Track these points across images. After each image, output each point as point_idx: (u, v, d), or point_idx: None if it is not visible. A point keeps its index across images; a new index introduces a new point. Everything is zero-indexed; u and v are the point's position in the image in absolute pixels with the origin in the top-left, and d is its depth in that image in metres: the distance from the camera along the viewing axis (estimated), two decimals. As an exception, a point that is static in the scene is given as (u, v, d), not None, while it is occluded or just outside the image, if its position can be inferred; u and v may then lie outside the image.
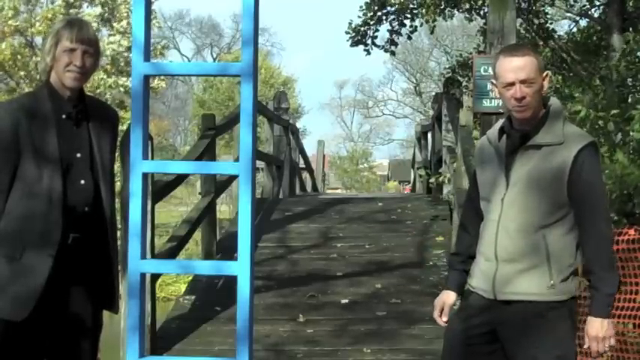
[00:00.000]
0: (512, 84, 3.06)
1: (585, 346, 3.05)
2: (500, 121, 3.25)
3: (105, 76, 21.02)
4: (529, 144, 3.09)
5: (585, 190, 3.04)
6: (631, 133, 6.81)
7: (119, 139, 3.71)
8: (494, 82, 3.20)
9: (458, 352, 3.23)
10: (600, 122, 7.41)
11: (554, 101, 3.19)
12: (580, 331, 3.17)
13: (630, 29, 12.46)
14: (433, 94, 24.46)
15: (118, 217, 3.77)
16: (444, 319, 3.36)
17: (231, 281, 6.26)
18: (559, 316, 3.06)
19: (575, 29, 15.78)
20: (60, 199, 3.11)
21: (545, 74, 3.11)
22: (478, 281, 3.20)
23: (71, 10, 21.33)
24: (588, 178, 3.04)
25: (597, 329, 3.01)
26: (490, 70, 7.61)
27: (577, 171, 3.02)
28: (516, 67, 3.05)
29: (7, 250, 3.11)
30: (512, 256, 3.09)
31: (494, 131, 3.25)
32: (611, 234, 3.13)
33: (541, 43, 13.96)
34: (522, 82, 3.04)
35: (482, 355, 3.19)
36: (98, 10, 21.94)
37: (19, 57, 20.95)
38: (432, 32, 16.00)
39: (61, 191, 3.12)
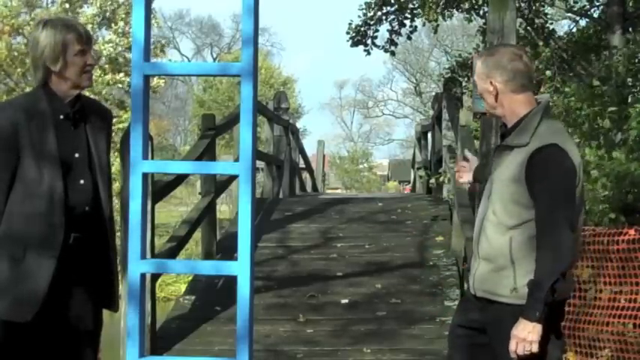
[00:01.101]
0: None
1: (512, 347, 3.01)
2: None
3: (102, 74, 21.05)
4: (502, 144, 3.19)
5: (539, 193, 3.03)
6: (630, 130, 6.82)
7: (119, 138, 3.72)
8: None
9: (459, 343, 3.30)
10: (600, 121, 7.41)
11: (542, 98, 3.24)
12: (574, 331, 3.17)
13: (630, 29, 12.46)
14: (433, 94, 24.47)
15: (117, 217, 3.78)
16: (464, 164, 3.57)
17: (231, 281, 6.26)
18: None
19: (575, 29, 15.78)
20: (61, 199, 3.11)
21: (489, 80, 3.17)
22: (469, 278, 3.29)
23: (69, 12, 21.34)
24: (541, 180, 3.02)
25: (521, 330, 2.98)
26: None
27: (531, 172, 3.03)
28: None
29: (10, 251, 3.10)
30: (487, 256, 3.15)
31: None
32: (561, 241, 3.00)
33: (541, 43, 13.95)
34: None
35: (477, 346, 3.25)
36: (94, 11, 21.96)
37: (15, 54, 20.95)
38: (435, 32, 16.00)
39: (62, 191, 3.12)
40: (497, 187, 3.13)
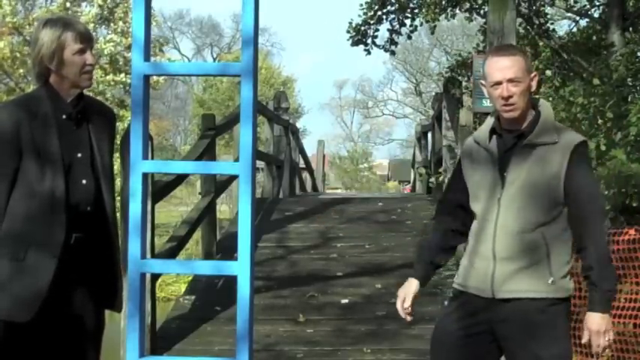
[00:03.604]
0: (499, 83, 3.09)
1: (584, 340, 3.05)
2: (487, 122, 3.25)
3: (103, 74, 21.05)
4: (524, 143, 3.11)
5: (582, 188, 3.06)
6: (630, 127, 6.82)
7: (119, 138, 3.71)
8: (483, 82, 3.22)
9: (452, 353, 3.20)
10: (600, 120, 7.42)
11: (543, 102, 3.23)
12: (577, 331, 3.18)
13: (630, 29, 12.47)
14: (433, 94, 24.47)
15: (118, 217, 3.77)
16: (407, 305, 3.38)
17: (231, 281, 6.26)
18: (558, 313, 3.09)
19: (575, 29, 15.77)
20: (63, 198, 3.11)
21: (533, 75, 3.14)
22: (472, 281, 3.19)
23: (69, 11, 21.33)
24: (584, 176, 3.08)
25: (598, 323, 3.02)
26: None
27: (573, 169, 3.05)
28: (504, 66, 3.08)
29: (11, 251, 3.10)
30: (513, 255, 3.09)
31: (482, 132, 3.25)
32: (606, 231, 3.18)
33: (541, 43, 13.95)
34: (509, 81, 3.07)
35: (477, 355, 3.18)
36: (95, 10, 21.96)
37: (18, 55, 20.95)
38: (432, 32, 16.01)
39: (64, 191, 3.11)
40: (522, 185, 3.08)
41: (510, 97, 3.07)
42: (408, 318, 3.39)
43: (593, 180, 3.13)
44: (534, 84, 3.14)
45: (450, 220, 3.34)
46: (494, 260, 3.12)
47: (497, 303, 3.11)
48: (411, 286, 3.38)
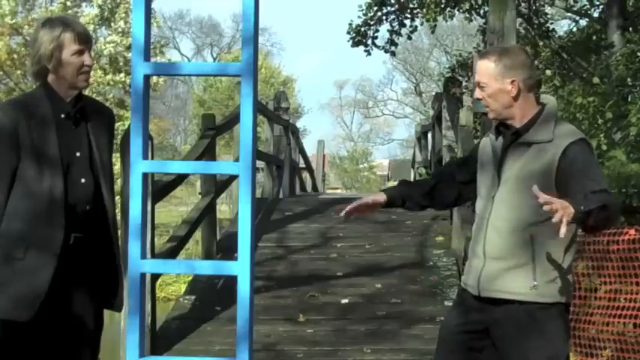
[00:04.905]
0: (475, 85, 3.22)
1: (549, 207, 2.76)
2: None
3: (102, 75, 21.07)
4: (519, 141, 3.12)
5: (582, 172, 2.97)
6: (630, 127, 6.83)
7: (119, 138, 3.71)
8: None
9: (451, 347, 3.25)
10: (600, 120, 7.42)
11: (549, 100, 3.21)
12: (577, 331, 3.16)
13: (630, 29, 12.47)
14: (433, 94, 24.47)
15: (118, 217, 3.77)
16: (356, 205, 3.33)
17: (231, 281, 6.26)
18: (548, 317, 3.04)
19: (575, 29, 15.78)
20: (62, 198, 3.11)
21: (510, 80, 3.08)
22: (469, 279, 3.21)
23: (69, 11, 21.33)
24: (582, 164, 2.99)
25: (566, 205, 2.74)
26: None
27: (568, 163, 2.99)
28: (477, 69, 3.19)
29: (10, 250, 3.10)
30: (500, 254, 3.09)
31: (493, 130, 3.29)
32: (617, 207, 2.97)
33: (541, 43, 13.96)
34: (477, 84, 3.16)
35: (475, 350, 3.20)
36: (96, 11, 21.98)
37: (15, 56, 20.96)
38: (432, 32, 16.01)
39: (63, 190, 3.11)
40: (514, 183, 3.07)
41: (479, 99, 3.16)
42: (342, 214, 3.35)
43: (594, 168, 3.01)
44: (513, 88, 3.08)
45: (446, 181, 3.38)
46: (484, 259, 3.13)
47: (488, 303, 3.12)
48: (376, 197, 3.37)
